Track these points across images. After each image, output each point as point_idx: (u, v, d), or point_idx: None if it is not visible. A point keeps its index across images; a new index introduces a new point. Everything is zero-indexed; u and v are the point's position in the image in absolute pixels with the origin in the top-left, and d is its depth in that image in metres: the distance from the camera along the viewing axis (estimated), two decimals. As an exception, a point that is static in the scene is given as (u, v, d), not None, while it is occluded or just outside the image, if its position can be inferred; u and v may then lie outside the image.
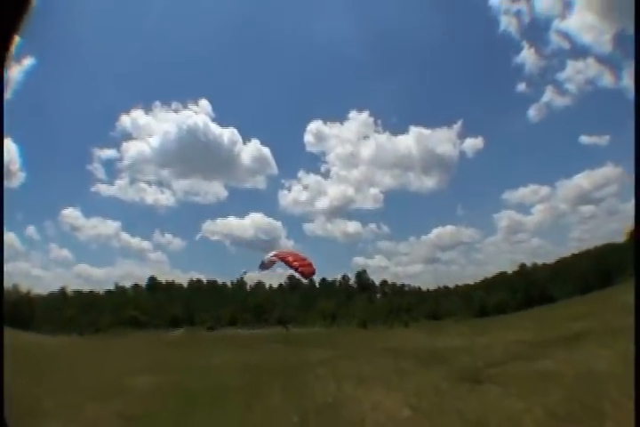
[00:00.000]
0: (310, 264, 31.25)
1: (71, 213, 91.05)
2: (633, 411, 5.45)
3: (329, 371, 16.58)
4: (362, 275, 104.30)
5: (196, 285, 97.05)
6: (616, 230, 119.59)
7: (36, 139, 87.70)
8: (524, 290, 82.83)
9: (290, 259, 28.20)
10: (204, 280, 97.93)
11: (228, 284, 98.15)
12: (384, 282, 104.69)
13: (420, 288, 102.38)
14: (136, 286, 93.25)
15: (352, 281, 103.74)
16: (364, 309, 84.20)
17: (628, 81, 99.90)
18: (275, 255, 28.49)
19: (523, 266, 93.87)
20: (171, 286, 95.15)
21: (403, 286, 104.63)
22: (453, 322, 76.19)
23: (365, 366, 17.46)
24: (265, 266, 29.31)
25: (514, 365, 15.44)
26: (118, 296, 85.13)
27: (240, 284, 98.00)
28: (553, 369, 13.63)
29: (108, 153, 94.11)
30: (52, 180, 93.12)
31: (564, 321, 27.88)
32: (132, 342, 42.37)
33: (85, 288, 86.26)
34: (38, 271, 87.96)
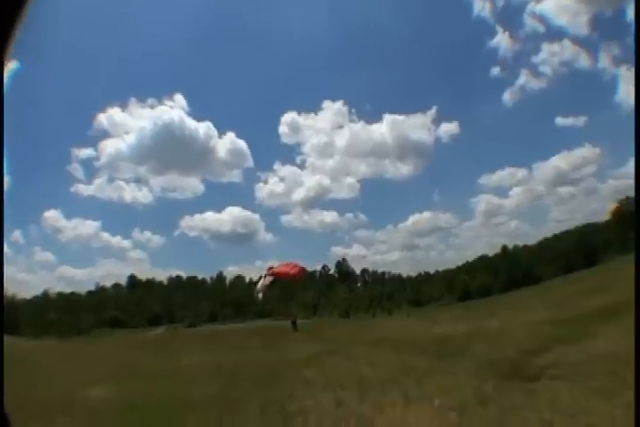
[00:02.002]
0: (295, 267, 32.70)
1: (53, 215, 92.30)
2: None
3: (319, 373, 12.61)
4: (342, 264, 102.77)
5: (175, 281, 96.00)
6: (596, 210, 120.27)
7: (19, 141, 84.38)
8: (507, 272, 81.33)
9: (275, 270, 30.83)
10: (184, 276, 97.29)
11: (208, 279, 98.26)
12: (364, 270, 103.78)
13: (400, 275, 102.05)
14: (117, 286, 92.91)
15: (332, 271, 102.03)
16: (344, 298, 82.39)
17: (604, 62, 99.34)
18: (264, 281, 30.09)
19: (504, 248, 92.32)
20: (151, 284, 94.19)
21: (383, 273, 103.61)
22: (437, 307, 74.46)
23: (363, 365, 13.51)
24: (264, 293, 30.31)
25: (561, 350, 11.81)
26: (99, 296, 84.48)
27: (220, 278, 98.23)
28: (625, 351, 9.95)
29: (86, 152, 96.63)
30: (35, 182, 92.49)
31: (575, 297, 24.79)
32: (106, 345, 39.12)
33: (68, 290, 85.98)
34: (23, 275, 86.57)
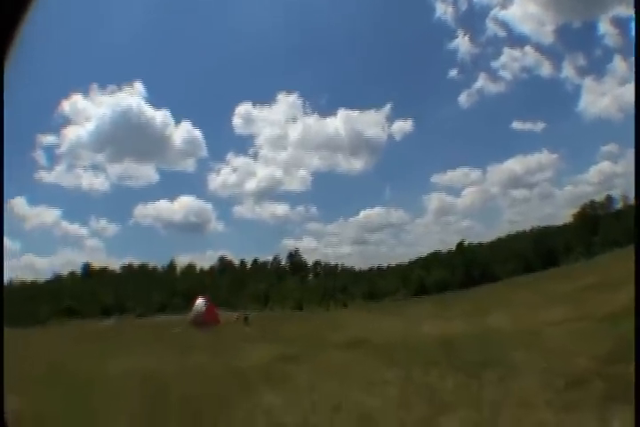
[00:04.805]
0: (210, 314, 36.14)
1: (19, 203, 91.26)
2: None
3: (287, 398, 7.67)
4: (294, 256, 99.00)
5: (127, 270, 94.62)
6: (550, 214, 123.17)
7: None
8: (463, 268, 79.75)
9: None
10: (136, 265, 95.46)
11: (159, 268, 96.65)
12: (317, 263, 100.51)
13: (353, 268, 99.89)
14: (72, 274, 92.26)
15: (284, 262, 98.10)
16: (297, 290, 78.32)
17: (567, 72, 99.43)
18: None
19: (460, 244, 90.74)
20: (104, 273, 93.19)
21: (335, 266, 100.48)
22: (392, 301, 71.76)
23: (351, 384, 8.73)
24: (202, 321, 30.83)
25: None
26: (56, 285, 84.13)
27: (171, 267, 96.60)
28: None
29: (50, 139, 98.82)
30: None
31: (582, 293, 21.19)
32: (55, 336, 34.37)
33: (30, 278, 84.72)
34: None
